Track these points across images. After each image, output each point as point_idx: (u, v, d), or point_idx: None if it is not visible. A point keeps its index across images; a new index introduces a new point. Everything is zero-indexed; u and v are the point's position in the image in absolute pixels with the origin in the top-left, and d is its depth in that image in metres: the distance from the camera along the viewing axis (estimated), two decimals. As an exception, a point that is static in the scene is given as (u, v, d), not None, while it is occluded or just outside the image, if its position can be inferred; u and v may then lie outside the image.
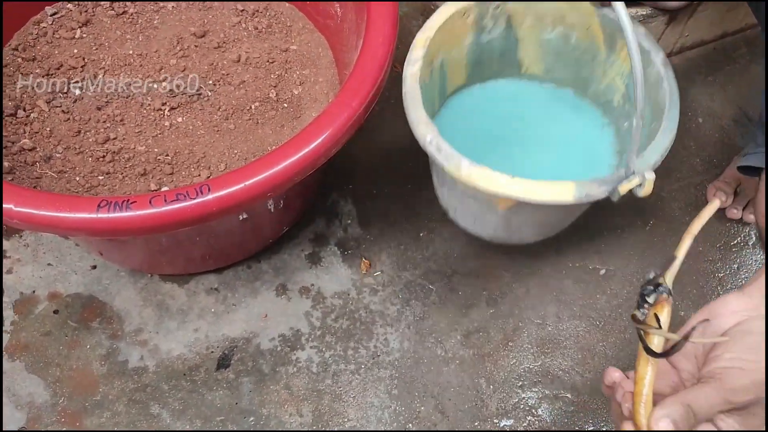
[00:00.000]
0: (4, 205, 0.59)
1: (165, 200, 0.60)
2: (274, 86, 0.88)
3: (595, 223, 0.97)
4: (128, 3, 0.93)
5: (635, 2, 0.97)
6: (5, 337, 0.84)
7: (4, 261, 0.89)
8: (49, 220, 0.59)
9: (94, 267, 0.89)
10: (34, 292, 0.87)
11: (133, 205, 0.60)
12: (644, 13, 0.98)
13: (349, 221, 0.95)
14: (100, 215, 0.60)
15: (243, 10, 0.94)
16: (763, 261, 0.93)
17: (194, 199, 0.61)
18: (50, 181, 0.79)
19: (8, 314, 0.85)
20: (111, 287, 0.88)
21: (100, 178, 0.80)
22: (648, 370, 0.47)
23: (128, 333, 0.85)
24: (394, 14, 0.74)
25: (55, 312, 0.86)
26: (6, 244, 0.90)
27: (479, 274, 0.92)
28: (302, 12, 0.95)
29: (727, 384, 0.45)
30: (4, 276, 0.88)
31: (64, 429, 0.80)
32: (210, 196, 0.61)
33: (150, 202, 0.60)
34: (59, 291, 0.87)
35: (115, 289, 0.88)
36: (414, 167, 0.99)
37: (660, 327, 0.48)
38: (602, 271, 0.93)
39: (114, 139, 0.82)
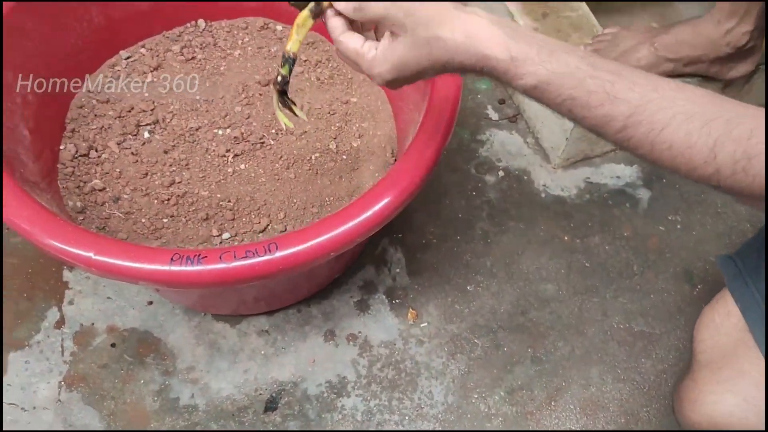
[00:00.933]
0: (84, 253, 0.62)
1: (234, 256, 0.63)
2: (334, 138, 0.90)
3: (642, 286, 0.97)
4: (197, 49, 0.97)
5: (697, 77, 0.98)
6: (64, 368, 0.87)
7: (67, 292, 0.92)
8: (126, 270, 0.62)
9: (151, 303, 0.92)
10: (93, 324, 0.90)
11: (204, 260, 0.62)
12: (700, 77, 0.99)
13: (398, 270, 0.97)
14: (172, 268, 0.62)
15: (306, 60, 0.97)
16: None
17: (262, 256, 0.63)
18: (118, 222, 0.82)
19: (68, 345, 0.89)
20: (166, 324, 0.91)
21: (165, 220, 0.83)
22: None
23: (180, 370, 0.88)
24: (459, 80, 0.76)
25: (113, 345, 0.89)
26: (68, 275, 0.93)
27: (524, 331, 0.93)
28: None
29: None
30: (66, 306, 0.91)
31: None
32: (277, 254, 0.63)
33: (220, 258, 0.63)
34: (117, 325, 0.90)
35: (169, 326, 0.91)
36: (464, 220, 1.01)
37: None
38: (648, 335, 0.94)
39: (179, 182, 0.86)
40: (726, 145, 0.46)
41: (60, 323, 0.90)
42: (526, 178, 1.07)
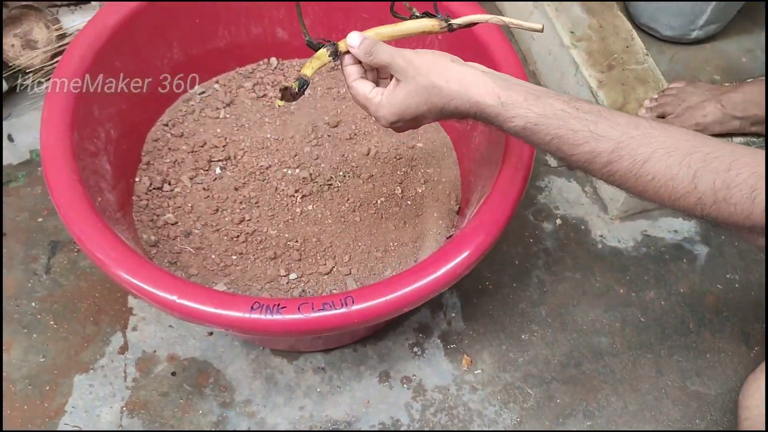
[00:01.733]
0: (168, 296, 0.64)
1: (312, 308, 0.64)
2: (400, 183, 0.92)
3: (698, 344, 0.97)
4: (268, 87, 0.99)
5: (763, 137, 0.98)
6: (126, 393, 0.89)
7: (131, 318, 0.95)
8: (207, 315, 0.64)
9: (211, 333, 0.94)
10: (155, 352, 0.92)
11: (283, 310, 0.64)
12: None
13: (453, 314, 0.98)
14: (252, 316, 0.64)
15: (374, 103, 0.99)
16: None
17: (338, 309, 0.65)
18: (188, 257, 0.84)
19: (131, 371, 0.91)
20: (225, 355, 0.93)
21: (234, 258, 0.85)
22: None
23: (238, 403, 0.89)
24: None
25: (173, 374, 0.91)
26: (133, 301, 0.96)
27: (578, 383, 0.93)
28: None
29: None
30: (129, 332, 0.93)
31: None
32: (353, 308, 0.65)
33: (299, 309, 0.64)
34: (178, 353, 0.92)
35: (228, 357, 0.92)
36: (520, 267, 1.02)
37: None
38: (703, 395, 0.93)
39: (248, 220, 0.88)
40: (706, 176, 0.50)
41: (123, 349, 0.92)
42: (583, 227, 1.07)
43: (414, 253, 0.87)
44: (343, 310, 0.65)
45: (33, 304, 0.95)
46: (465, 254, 0.69)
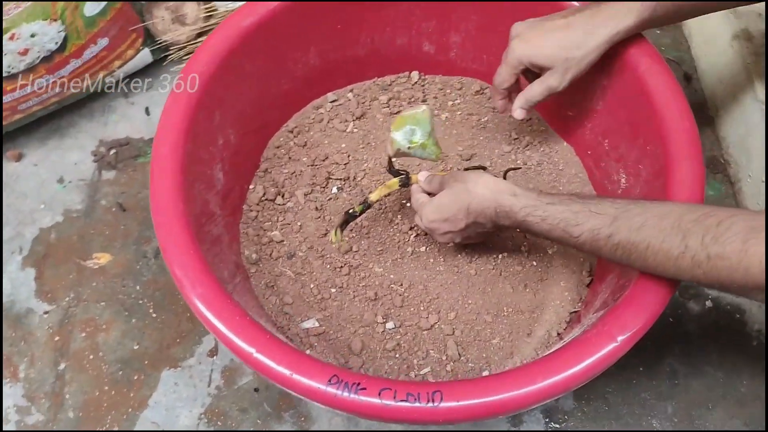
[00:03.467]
0: (247, 347, 0.59)
1: (394, 396, 0.57)
2: (528, 239, 0.81)
3: None
4: (404, 103, 0.91)
5: None
6: (208, 400, 0.87)
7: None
8: (282, 377, 0.59)
9: (256, 390, 0.89)
10: (242, 363, 0.90)
11: (362, 392, 0.57)
12: None
13: (563, 389, 0.87)
14: (328, 389, 0.58)
15: (516, 138, 0.88)
16: None
17: (423, 403, 0.57)
18: (287, 283, 0.80)
19: (215, 377, 0.89)
20: (311, 382, 0.88)
21: (333, 290, 0.79)
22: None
23: (314, 436, 0.85)
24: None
25: (256, 390, 0.88)
26: (231, 303, 0.93)
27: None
28: (579, 156, 0.87)
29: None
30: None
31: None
32: (441, 406, 0.57)
33: (379, 394, 0.57)
34: (264, 370, 0.89)
35: (313, 385, 0.88)
36: (652, 349, 0.89)
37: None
38: None
39: (356, 251, 0.81)
40: (695, 233, 0.51)
41: (213, 353, 0.90)
42: (738, 316, 0.91)
43: (529, 324, 0.77)
44: (429, 405, 0.57)
45: (137, 287, 0.95)
46: (581, 366, 0.58)
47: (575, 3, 0.76)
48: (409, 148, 0.70)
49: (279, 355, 0.59)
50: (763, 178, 0.91)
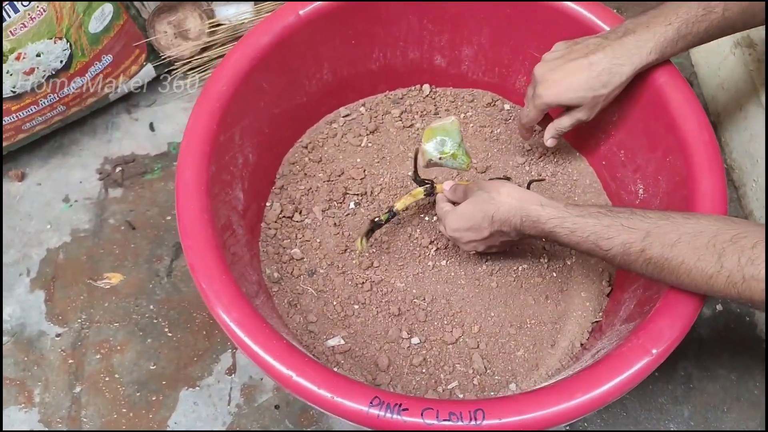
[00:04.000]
0: (286, 371, 0.59)
1: (437, 416, 0.57)
2: (547, 250, 0.82)
3: None
4: (416, 116, 0.92)
5: None
6: (228, 419, 0.87)
7: (242, 339, 0.92)
8: (322, 401, 0.58)
9: (277, 407, 0.89)
10: (262, 379, 0.89)
11: (404, 413, 0.57)
12: None
13: (582, 397, 0.88)
14: (370, 411, 0.58)
15: (530, 149, 0.89)
16: None
17: (465, 421, 0.57)
18: (309, 300, 0.79)
19: (235, 395, 0.88)
20: (331, 397, 0.88)
21: (356, 307, 0.79)
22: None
23: (337, 453, 0.85)
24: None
25: (276, 407, 0.88)
26: (247, 320, 0.93)
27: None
28: (593, 166, 0.88)
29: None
30: (239, 354, 0.91)
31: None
32: (483, 424, 0.57)
33: (422, 414, 0.57)
34: (284, 387, 0.89)
35: (334, 400, 0.88)
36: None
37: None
38: None
39: (377, 267, 0.81)
40: (731, 254, 0.52)
41: (231, 370, 0.90)
42: (748, 319, 0.93)
43: (552, 335, 0.78)
44: (471, 424, 0.57)
45: (151, 306, 0.94)
46: (634, 369, 0.59)
47: (593, 20, 0.77)
48: (440, 158, 0.72)
49: (319, 378, 0.59)
50: (769, 183, 0.93)
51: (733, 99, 1.01)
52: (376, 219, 0.77)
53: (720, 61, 1.04)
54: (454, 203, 0.75)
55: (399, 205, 0.77)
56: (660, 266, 0.57)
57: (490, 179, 0.78)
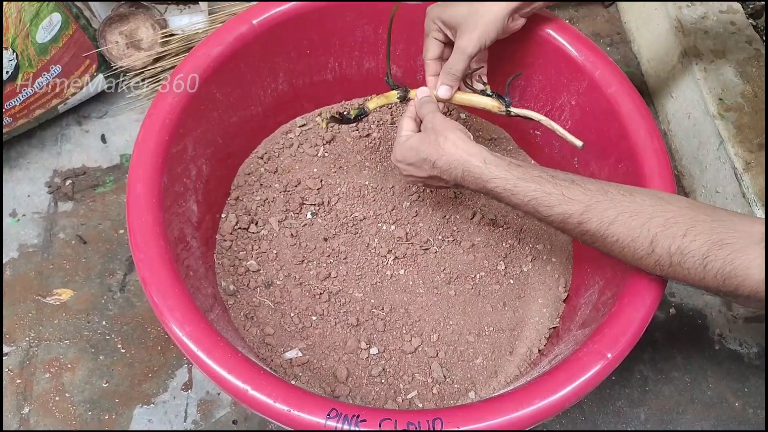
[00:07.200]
0: (241, 385, 0.58)
1: (395, 426, 0.57)
2: (504, 257, 0.83)
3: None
4: (373, 126, 0.92)
5: None
6: (184, 437, 0.85)
7: (199, 354, 0.90)
8: (278, 414, 0.57)
9: (234, 422, 0.88)
10: (219, 394, 0.88)
11: (362, 424, 0.57)
12: None
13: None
14: (328, 423, 0.57)
15: (486, 157, 0.90)
16: None
17: (425, 430, 0.57)
18: (266, 313, 0.78)
19: (191, 411, 0.87)
20: (290, 411, 0.87)
21: (313, 318, 0.78)
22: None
23: (297, 467, 0.84)
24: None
25: (234, 422, 0.86)
26: (203, 335, 0.91)
27: (673, 508, 0.83)
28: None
29: None
30: (195, 369, 0.89)
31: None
32: (442, 431, 0.57)
33: (380, 425, 0.57)
34: (242, 401, 0.87)
35: (294, 414, 0.86)
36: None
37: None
38: None
39: (334, 277, 0.81)
40: (663, 240, 0.55)
41: (187, 386, 0.88)
42: (700, 322, 0.95)
43: (510, 342, 0.78)
44: (430, 433, 0.57)
45: (104, 322, 0.92)
46: (591, 373, 0.59)
47: (551, 34, 0.78)
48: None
49: (275, 391, 0.58)
50: (717, 188, 0.95)
51: (681, 108, 1.04)
52: (345, 113, 0.73)
53: (668, 71, 1.06)
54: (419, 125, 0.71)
55: (371, 105, 0.73)
56: (594, 238, 0.59)
57: (448, 120, 0.67)
